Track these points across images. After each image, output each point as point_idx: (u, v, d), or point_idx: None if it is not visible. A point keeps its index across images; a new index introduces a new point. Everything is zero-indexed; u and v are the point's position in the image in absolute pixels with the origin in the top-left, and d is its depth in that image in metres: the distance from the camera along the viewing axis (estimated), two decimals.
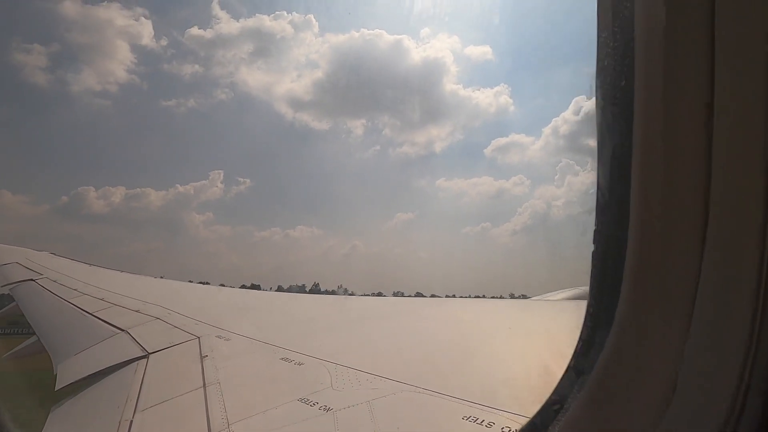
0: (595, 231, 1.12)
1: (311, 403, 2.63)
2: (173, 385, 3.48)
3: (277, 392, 2.97)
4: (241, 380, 3.38)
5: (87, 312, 6.37)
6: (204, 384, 3.27)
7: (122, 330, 5.34)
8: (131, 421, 2.91)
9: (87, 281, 8.20)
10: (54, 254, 10.80)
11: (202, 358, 3.95)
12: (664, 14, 0.87)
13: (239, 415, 2.69)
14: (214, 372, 3.53)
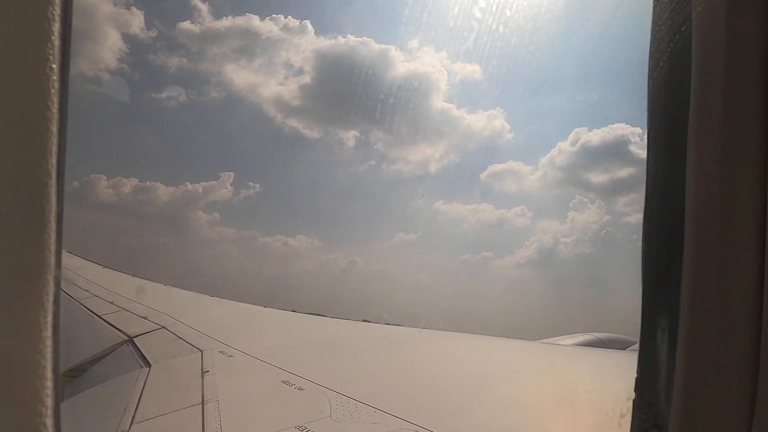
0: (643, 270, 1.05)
1: None
2: (172, 398, 3.46)
3: (275, 417, 2.92)
4: (239, 400, 3.35)
5: (96, 314, 6.44)
6: (203, 401, 3.25)
7: (128, 337, 5.37)
8: None
9: (99, 283, 8.33)
10: (70, 253, 11.04)
11: (203, 373, 3.93)
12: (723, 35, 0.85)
13: None
14: (213, 389, 3.50)
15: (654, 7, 1.04)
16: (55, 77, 0.68)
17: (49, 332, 0.67)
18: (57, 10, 0.69)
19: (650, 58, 1.03)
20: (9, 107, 0.65)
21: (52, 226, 0.68)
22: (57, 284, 0.70)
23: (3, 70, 0.65)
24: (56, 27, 0.69)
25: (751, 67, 0.85)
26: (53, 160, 0.68)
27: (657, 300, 1.02)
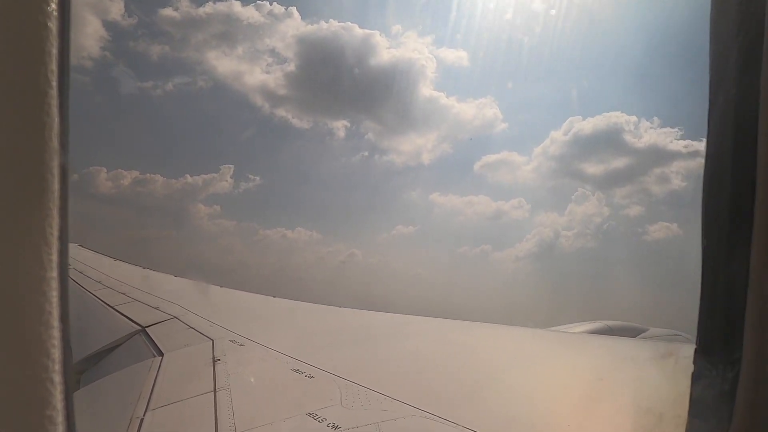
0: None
1: (319, 419, 2.60)
2: (185, 386, 3.51)
3: (286, 404, 2.95)
4: (251, 388, 3.38)
5: (108, 305, 6.55)
6: (215, 388, 3.29)
7: (140, 326, 5.45)
8: (142, 419, 2.94)
9: (111, 275, 8.45)
10: (81, 246, 11.21)
11: (215, 361, 3.98)
12: None
13: (247, 424, 2.68)
14: (225, 377, 3.54)
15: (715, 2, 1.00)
16: (53, 68, 0.66)
17: (54, 273, 0.65)
18: (54, 3, 0.67)
19: (711, 38, 1.00)
20: (10, 100, 0.64)
21: (56, 219, 0.65)
22: (64, 276, 0.68)
23: (3, 65, 0.63)
24: (55, 18, 0.67)
25: None
26: (56, 153, 0.66)
27: (716, 299, 1.00)
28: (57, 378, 0.64)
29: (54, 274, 0.65)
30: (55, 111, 0.66)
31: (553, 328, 7.42)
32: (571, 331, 7.36)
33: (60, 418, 0.64)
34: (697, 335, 1.04)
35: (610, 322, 7.85)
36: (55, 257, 0.65)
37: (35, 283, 0.63)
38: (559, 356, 4.06)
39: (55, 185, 0.65)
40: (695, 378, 1.03)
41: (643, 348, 4.43)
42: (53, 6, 0.67)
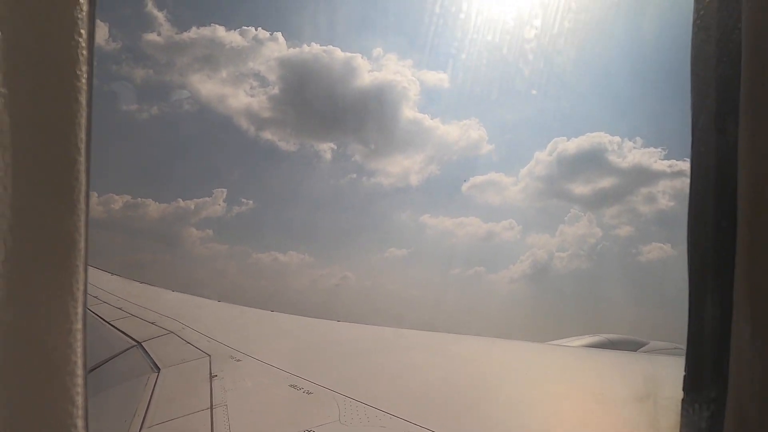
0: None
1: None
2: (181, 403, 3.47)
3: (284, 421, 2.92)
4: (248, 405, 3.35)
5: (105, 321, 6.50)
6: (211, 405, 3.25)
7: (137, 342, 5.40)
8: None
9: (108, 290, 8.40)
10: None
11: (212, 377, 3.94)
12: None
13: None
14: (222, 393, 3.50)
15: (695, 14, 1.04)
16: (84, 79, 0.70)
17: (79, 324, 0.69)
18: (84, 13, 0.70)
19: (692, 59, 1.03)
20: (35, 111, 0.67)
21: (81, 275, 0.69)
22: (85, 275, 0.71)
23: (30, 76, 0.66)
24: (84, 30, 0.71)
25: None
26: (83, 213, 0.70)
27: (704, 306, 1.01)
28: (80, 423, 0.69)
29: (80, 326, 0.69)
30: (83, 177, 0.70)
31: (554, 342, 7.38)
32: (572, 344, 7.31)
33: None
34: (684, 381, 1.03)
35: (610, 336, 7.81)
36: (80, 310, 0.69)
37: (63, 335, 0.67)
38: (560, 371, 4.03)
39: (82, 243, 0.69)
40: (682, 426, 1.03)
41: (643, 362, 4.40)
42: (83, 13, 0.70)
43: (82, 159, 0.70)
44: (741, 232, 0.86)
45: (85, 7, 0.70)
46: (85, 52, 0.70)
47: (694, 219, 1.03)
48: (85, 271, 0.70)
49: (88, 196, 0.71)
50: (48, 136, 0.67)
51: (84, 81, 0.70)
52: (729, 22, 0.96)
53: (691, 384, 1.02)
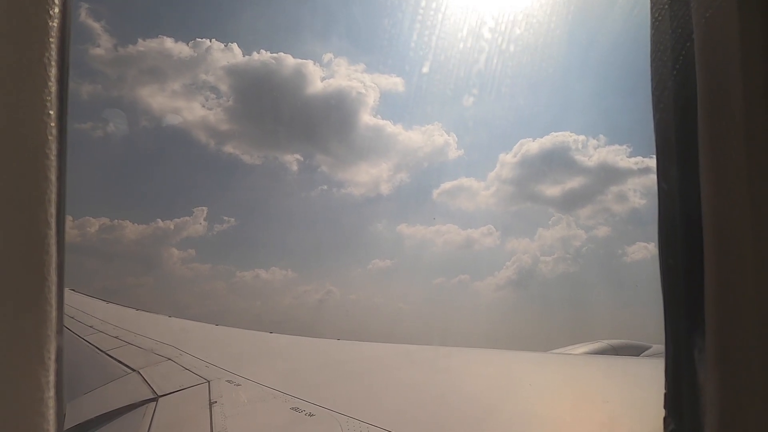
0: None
1: None
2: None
3: None
4: (249, 430, 3.28)
5: (101, 350, 6.38)
6: None
7: (134, 370, 5.30)
8: None
9: (103, 318, 8.27)
10: (73, 290, 10.99)
11: (211, 404, 3.86)
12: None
13: None
14: (222, 420, 3.43)
15: (652, 14, 1.07)
16: (52, 84, 0.69)
17: (51, 392, 0.67)
18: (54, 28, 0.70)
19: (652, 65, 1.06)
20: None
21: (53, 344, 0.68)
22: (60, 394, 0.70)
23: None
24: (55, 32, 0.70)
25: (760, 68, 0.84)
26: (54, 284, 0.69)
27: (679, 314, 1.01)
28: None
29: (51, 394, 0.68)
30: (53, 242, 0.68)
31: (555, 351, 7.33)
32: (574, 352, 7.27)
33: None
34: (666, 353, 1.03)
35: (612, 341, 7.78)
36: (52, 378, 0.68)
37: (35, 404, 0.66)
38: (567, 381, 3.99)
39: (53, 313, 0.68)
40: (666, 398, 1.02)
41: (646, 367, 4.38)
42: (55, 13, 0.70)
43: (53, 184, 0.68)
44: (707, 231, 0.87)
45: (56, 22, 0.70)
46: (54, 63, 0.70)
47: (663, 218, 1.04)
48: (59, 339, 0.69)
49: (61, 267, 0.69)
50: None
51: (53, 96, 0.69)
52: (684, 20, 1.00)
53: (672, 402, 1.02)
